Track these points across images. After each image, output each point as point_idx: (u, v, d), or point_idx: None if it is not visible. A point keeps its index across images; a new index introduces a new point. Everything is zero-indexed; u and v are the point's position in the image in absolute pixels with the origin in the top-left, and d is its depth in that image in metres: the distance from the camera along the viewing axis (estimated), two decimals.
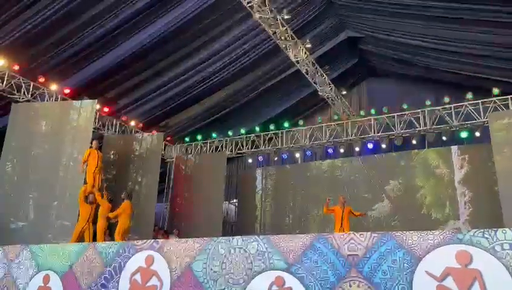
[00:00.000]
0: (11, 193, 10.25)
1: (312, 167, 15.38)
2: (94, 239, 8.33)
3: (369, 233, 4.29)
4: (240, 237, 4.97)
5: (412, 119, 13.26)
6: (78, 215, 8.58)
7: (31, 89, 11.52)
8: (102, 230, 8.26)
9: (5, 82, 10.93)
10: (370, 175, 14.09)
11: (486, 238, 3.85)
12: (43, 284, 5.90)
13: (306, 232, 13.84)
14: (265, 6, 10.19)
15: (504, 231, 3.82)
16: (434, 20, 11.16)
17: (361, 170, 14.38)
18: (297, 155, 15.52)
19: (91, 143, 9.79)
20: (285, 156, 15.47)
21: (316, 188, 14.80)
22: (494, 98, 12.01)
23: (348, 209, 9.81)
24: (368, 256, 4.17)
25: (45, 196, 10.09)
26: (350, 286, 4.13)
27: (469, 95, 12.46)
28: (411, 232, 4.15)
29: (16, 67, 10.91)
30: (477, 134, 12.50)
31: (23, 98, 11.38)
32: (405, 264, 4.01)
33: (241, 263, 4.72)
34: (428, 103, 13.09)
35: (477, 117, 12.32)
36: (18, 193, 10.21)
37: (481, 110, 12.27)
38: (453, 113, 12.67)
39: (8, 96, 11.20)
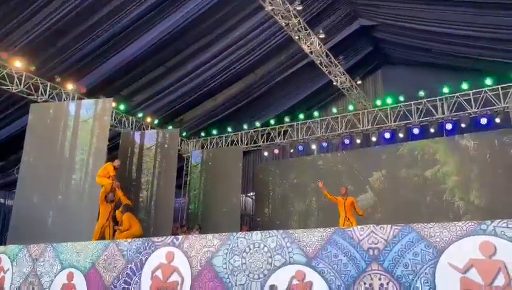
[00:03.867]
0: (31, 192, 10.45)
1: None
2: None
3: (389, 225, 4.24)
4: (259, 231, 4.97)
5: (430, 107, 13.03)
6: (99, 214, 8.68)
7: (48, 89, 11.69)
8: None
9: (22, 83, 11.11)
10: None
11: (510, 228, 3.77)
12: (67, 282, 6.01)
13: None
14: None
15: None
16: (450, 5, 10.91)
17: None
18: (314, 147, 15.45)
19: (113, 160, 9.52)
20: (301, 148, 15.40)
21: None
22: None
23: (350, 201, 9.26)
24: (389, 249, 4.12)
25: (63, 195, 10.27)
26: (371, 279, 4.10)
27: (488, 81, 12.18)
28: (432, 223, 4.09)
29: (33, 68, 11.06)
30: (498, 120, 12.22)
31: (41, 99, 11.57)
32: (427, 257, 3.95)
33: (261, 257, 4.72)
34: (446, 90, 12.83)
35: (497, 103, 12.05)
36: (37, 191, 10.41)
37: (501, 95, 12.00)
38: (471, 99, 12.41)
39: (27, 97, 11.40)
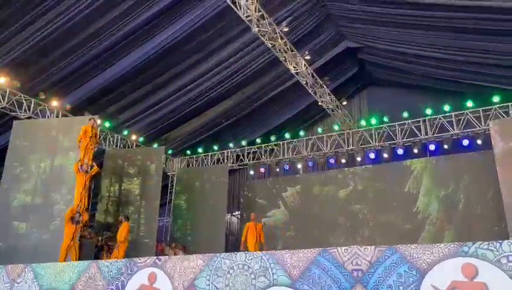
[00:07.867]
0: (13, 209, 10.21)
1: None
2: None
3: (373, 247, 4.24)
4: (243, 252, 4.92)
5: (413, 127, 13.24)
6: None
7: (32, 106, 11.57)
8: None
9: (6, 99, 10.97)
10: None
11: (492, 250, 3.80)
12: None
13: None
14: (264, 19, 10.25)
15: (509, 243, 3.76)
16: (433, 30, 11.20)
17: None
18: (299, 166, 15.49)
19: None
20: (286, 167, 15.43)
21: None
22: (495, 106, 12.02)
23: (260, 226, 10.46)
24: (373, 271, 4.11)
25: (46, 213, 10.05)
26: None
27: (469, 103, 12.47)
28: (415, 245, 4.10)
29: (17, 85, 10.95)
30: (479, 142, 12.46)
31: (24, 115, 11.42)
32: (410, 279, 3.95)
33: (244, 279, 4.67)
34: (429, 111, 13.08)
35: (478, 125, 12.30)
36: (19, 209, 10.17)
37: (482, 117, 12.27)
38: (453, 121, 12.66)
39: (10, 113, 11.24)
